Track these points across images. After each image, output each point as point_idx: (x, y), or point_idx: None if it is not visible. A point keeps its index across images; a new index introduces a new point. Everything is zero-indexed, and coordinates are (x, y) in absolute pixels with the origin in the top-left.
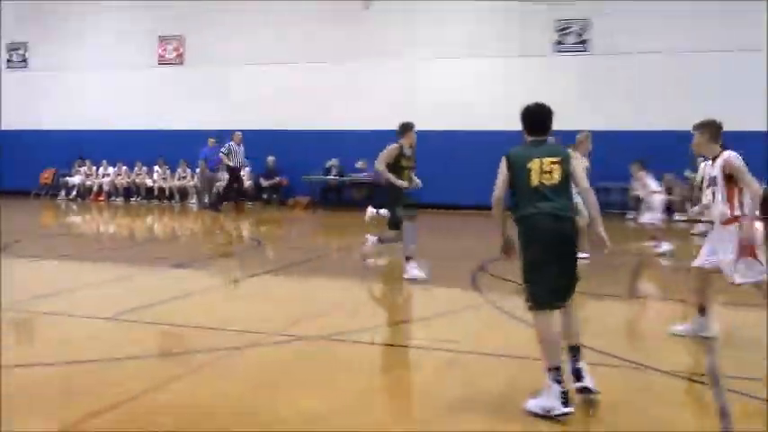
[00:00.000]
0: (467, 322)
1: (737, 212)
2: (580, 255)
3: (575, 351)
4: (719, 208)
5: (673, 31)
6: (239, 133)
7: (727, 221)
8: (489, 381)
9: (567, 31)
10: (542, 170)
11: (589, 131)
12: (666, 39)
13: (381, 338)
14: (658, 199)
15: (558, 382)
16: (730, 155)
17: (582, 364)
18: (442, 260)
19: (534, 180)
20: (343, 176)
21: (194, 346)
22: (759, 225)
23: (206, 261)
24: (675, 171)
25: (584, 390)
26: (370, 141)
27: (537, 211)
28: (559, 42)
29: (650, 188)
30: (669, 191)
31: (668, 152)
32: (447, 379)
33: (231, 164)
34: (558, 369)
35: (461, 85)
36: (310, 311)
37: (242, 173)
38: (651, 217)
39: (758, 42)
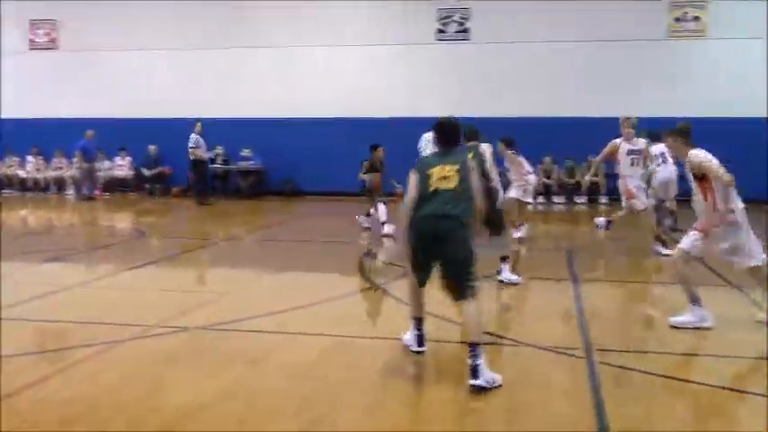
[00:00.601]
0: (352, 307)
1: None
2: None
3: (472, 348)
4: (697, 203)
5: (553, 21)
6: (199, 123)
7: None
8: (374, 364)
9: (449, 19)
10: (441, 176)
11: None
12: (546, 28)
13: (267, 326)
14: (532, 180)
15: (416, 328)
16: (690, 153)
17: (479, 362)
18: (331, 246)
19: (432, 185)
20: (228, 164)
21: (74, 341)
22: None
23: (85, 254)
24: (554, 157)
25: (475, 387)
26: (254, 129)
27: (426, 212)
28: (441, 31)
29: (523, 168)
30: (547, 175)
31: (548, 138)
32: (332, 363)
33: (203, 155)
34: (417, 319)
35: (342, 72)
36: (195, 302)
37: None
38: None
39: (631, 33)
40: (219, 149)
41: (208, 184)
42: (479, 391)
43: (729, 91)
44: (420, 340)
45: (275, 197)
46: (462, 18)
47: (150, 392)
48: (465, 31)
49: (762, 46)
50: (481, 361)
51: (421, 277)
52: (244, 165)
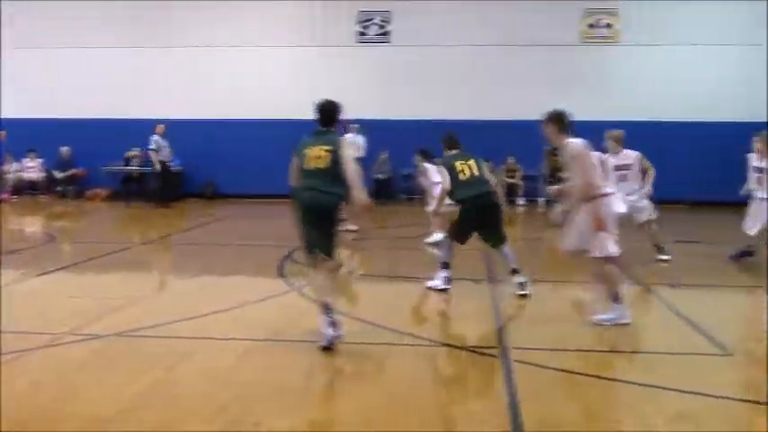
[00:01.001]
0: (271, 310)
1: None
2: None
3: (325, 307)
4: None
5: (473, 25)
6: (162, 126)
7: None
8: (290, 367)
9: (370, 22)
10: (315, 156)
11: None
12: (467, 31)
13: (184, 331)
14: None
15: (326, 313)
16: (569, 143)
17: (330, 318)
18: (251, 249)
19: (309, 163)
20: (144, 167)
21: None
22: (609, 201)
23: None
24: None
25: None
26: (173, 130)
27: (304, 186)
28: (362, 33)
29: (432, 179)
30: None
31: (467, 140)
32: (249, 367)
33: (163, 159)
34: (324, 305)
35: (262, 73)
36: (107, 308)
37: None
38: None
39: (548, 38)
40: (136, 151)
41: (171, 187)
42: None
43: (640, 95)
44: (332, 324)
45: (196, 199)
46: (383, 21)
47: (64, 400)
48: (386, 33)
49: (672, 51)
50: (331, 318)
51: (306, 241)
52: (161, 166)
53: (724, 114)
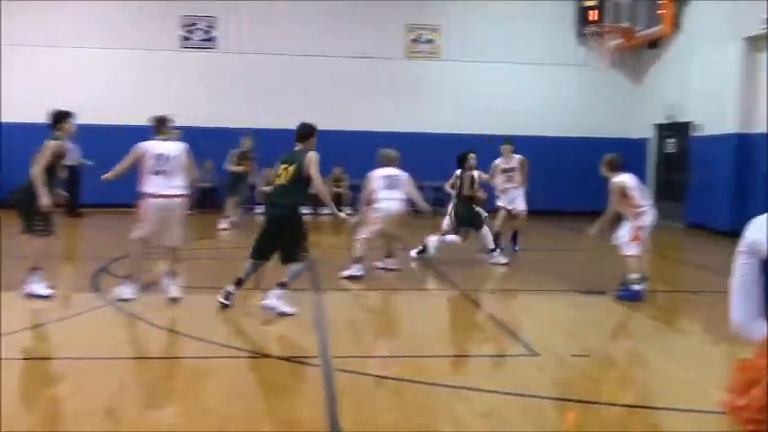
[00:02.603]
0: (85, 327)
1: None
2: None
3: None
4: None
5: (301, 35)
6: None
7: None
8: (103, 386)
9: (194, 27)
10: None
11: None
12: (295, 41)
13: None
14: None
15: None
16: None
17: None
18: (64, 262)
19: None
20: None
21: None
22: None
23: None
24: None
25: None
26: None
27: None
28: (186, 38)
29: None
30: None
31: (288, 149)
32: (56, 389)
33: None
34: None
35: (90, 77)
36: None
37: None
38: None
39: (375, 51)
40: None
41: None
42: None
43: (461, 109)
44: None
45: None
46: (208, 26)
47: None
48: (211, 39)
49: (492, 68)
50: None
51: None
52: None
53: (543, 130)
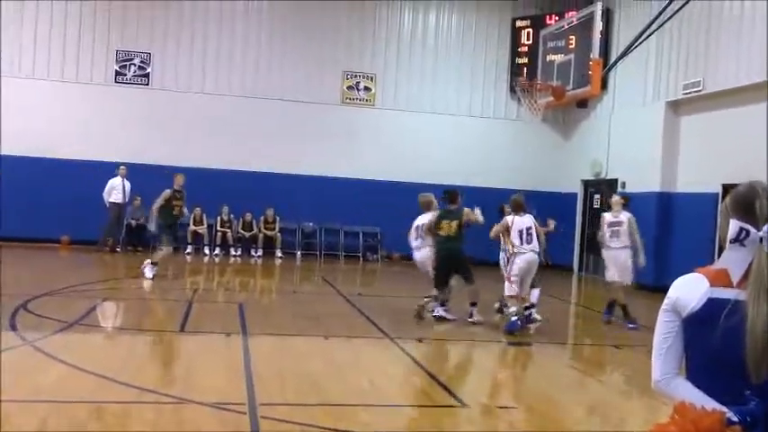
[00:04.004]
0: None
1: None
2: None
3: None
4: None
5: (236, 75)
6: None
7: None
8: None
9: (128, 62)
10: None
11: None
12: (235, 84)
13: None
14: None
15: None
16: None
17: None
18: None
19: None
20: None
21: None
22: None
23: None
24: (230, 208)
25: None
26: None
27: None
28: (119, 73)
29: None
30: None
31: (226, 190)
32: None
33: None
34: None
35: (21, 108)
36: None
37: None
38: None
39: (312, 96)
40: None
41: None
42: None
43: (394, 156)
44: None
45: None
46: (142, 62)
47: None
48: (146, 75)
49: (426, 119)
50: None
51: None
52: None
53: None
